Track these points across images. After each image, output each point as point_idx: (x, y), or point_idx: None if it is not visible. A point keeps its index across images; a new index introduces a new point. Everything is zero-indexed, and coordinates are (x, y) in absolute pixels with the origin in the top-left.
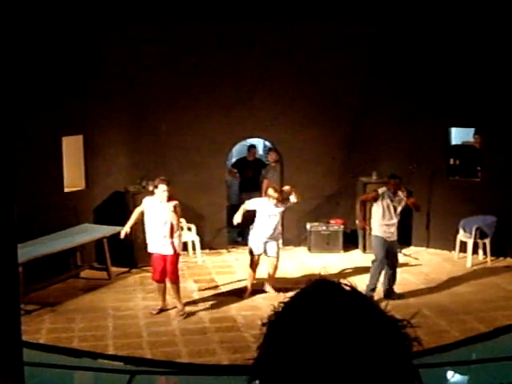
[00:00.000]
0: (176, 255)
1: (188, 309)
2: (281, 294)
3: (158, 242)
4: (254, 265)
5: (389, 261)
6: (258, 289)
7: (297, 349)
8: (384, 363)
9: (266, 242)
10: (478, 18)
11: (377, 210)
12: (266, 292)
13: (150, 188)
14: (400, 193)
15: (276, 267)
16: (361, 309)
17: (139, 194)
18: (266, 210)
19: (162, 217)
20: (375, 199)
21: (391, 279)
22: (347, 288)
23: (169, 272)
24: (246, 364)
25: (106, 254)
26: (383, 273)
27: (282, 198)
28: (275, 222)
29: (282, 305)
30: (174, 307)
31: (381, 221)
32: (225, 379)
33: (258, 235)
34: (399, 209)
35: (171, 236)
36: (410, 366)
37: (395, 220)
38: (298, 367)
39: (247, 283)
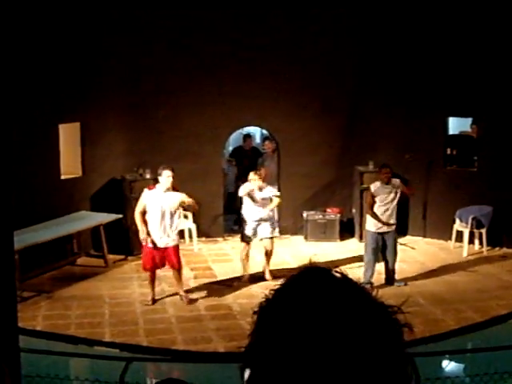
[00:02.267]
0: (178, 245)
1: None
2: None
3: (161, 235)
4: (244, 251)
5: (383, 253)
6: (257, 276)
7: (286, 336)
8: (375, 349)
9: (257, 226)
10: (475, 8)
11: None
12: (265, 280)
13: (148, 176)
14: (394, 181)
15: (271, 251)
16: (351, 295)
17: (136, 182)
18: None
19: (167, 207)
20: (373, 196)
21: (390, 269)
22: (337, 275)
23: (173, 262)
24: (240, 352)
25: (102, 241)
26: (383, 264)
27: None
28: (261, 205)
29: (272, 292)
30: (171, 295)
31: (377, 212)
32: (220, 367)
33: (247, 220)
34: (395, 197)
35: (175, 222)
36: (402, 351)
37: (390, 211)
38: (287, 354)
39: (243, 271)
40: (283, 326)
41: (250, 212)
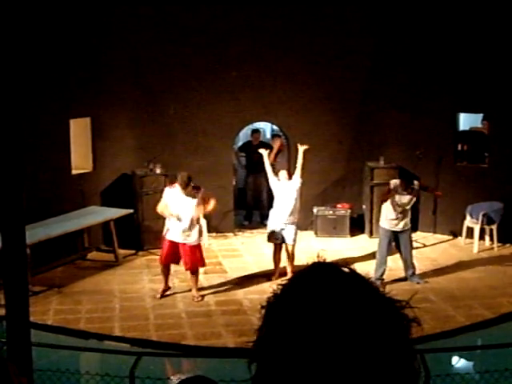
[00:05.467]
0: (198, 245)
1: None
2: None
3: (180, 232)
4: (276, 253)
5: (399, 249)
6: (268, 272)
7: (293, 331)
8: (381, 343)
9: (282, 229)
10: (486, 4)
11: (386, 203)
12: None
13: (158, 171)
14: (411, 188)
15: (293, 253)
16: (358, 290)
17: (146, 177)
18: (280, 190)
19: (187, 207)
20: (389, 191)
21: (408, 265)
22: (345, 270)
23: (194, 261)
24: (249, 347)
25: (113, 236)
26: (401, 260)
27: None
28: (291, 205)
29: (280, 287)
30: (180, 291)
31: (388, 213)
32: (230, 362)
33: (275, 220)
34: (411, 200)
35: (195, 225)
36: (409, 346)
37: (404, 213)
38: (294, 349)
39: (274, 268)
40: (290, 320)
41: (278, 212)
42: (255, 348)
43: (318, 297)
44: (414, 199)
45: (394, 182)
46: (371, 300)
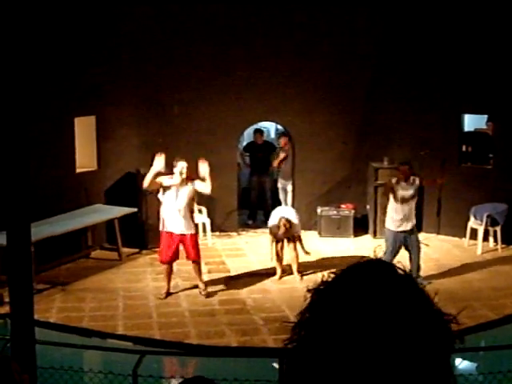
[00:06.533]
0: (196, 234)
1: (197, 291)
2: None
3: (177, 221)
4: (277, 250)
5: (408, 251)
6: (271, 272)
7: (339, 322)
8: (422, 351)
9: None
10: (492, 4)
11: (391, 201)
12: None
13: (162, 170)
14: (413, 179)
15: (295, 249)
16: (410, 294)
17: None
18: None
19: (183, 196)
20: (393, 189)
21: (415, 266)
22: (401, 272)
23: (190, 252)
24: (254, 346)
25: (116, 234)
26: (408, 262)
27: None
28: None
29: (332, 276)
30: (184, 289)
31: (393, 214)
32: (233, 361)
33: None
34: (414, 195)
35: (191, 215)
36: (448, 359)
37: (408, 211)
38: (336, 340)
39: (276, 267)
40: (337, 311)
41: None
42: (294, 331)
43: (368, 293)
44: (416, 197)
45: (394, 179)
46: (420, 307)
